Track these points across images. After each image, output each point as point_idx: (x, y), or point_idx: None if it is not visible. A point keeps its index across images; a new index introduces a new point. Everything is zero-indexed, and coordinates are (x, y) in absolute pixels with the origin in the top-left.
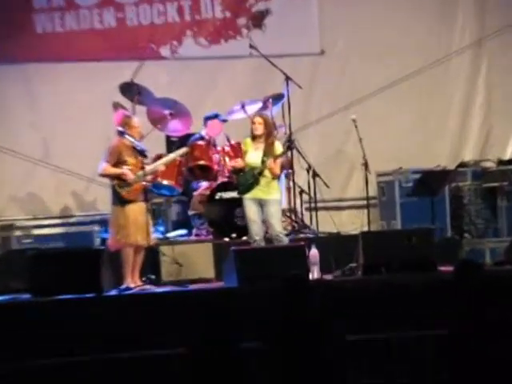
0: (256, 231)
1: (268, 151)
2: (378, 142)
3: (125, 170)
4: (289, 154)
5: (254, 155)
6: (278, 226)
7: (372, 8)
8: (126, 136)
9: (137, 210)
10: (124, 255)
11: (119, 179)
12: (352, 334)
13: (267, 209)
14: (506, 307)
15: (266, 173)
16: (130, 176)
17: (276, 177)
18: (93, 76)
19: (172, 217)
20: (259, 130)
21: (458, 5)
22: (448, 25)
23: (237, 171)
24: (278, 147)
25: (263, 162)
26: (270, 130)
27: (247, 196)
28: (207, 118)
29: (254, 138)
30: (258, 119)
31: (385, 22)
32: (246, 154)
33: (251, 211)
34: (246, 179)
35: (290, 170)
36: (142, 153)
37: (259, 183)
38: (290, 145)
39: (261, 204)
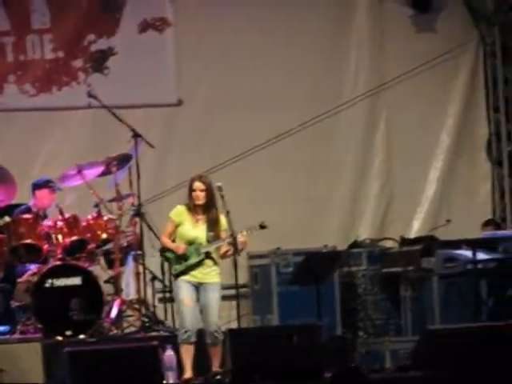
0: (191, 321)
1: (213, 226)
2: (250, 215)
3: None
4: (137, 231)
5: (194, 228)
6: (216, 317)
7: (242, 49)
8: None
9: None
10: None
11: None
12: None
13: (205, 294)
14: None
15: (213, 250)
16: None
17: (228, 257)
18: None
19: None
20: (201, 198)
21: (350, 48)
22: (338, 71)
23: (165, 249)
24: (223, 220)
25: (209, 236)
26: (213, 197)
27: (184, 277)
28: (36, 186)
29: (192, 207)
30: (200, 185)
31: (258, 65)
32: (179, 226)
33: (188, 295)
34: (186, 257)
35: (139, 252)
36: None
37: (203, 265)
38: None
39: (197, 289)
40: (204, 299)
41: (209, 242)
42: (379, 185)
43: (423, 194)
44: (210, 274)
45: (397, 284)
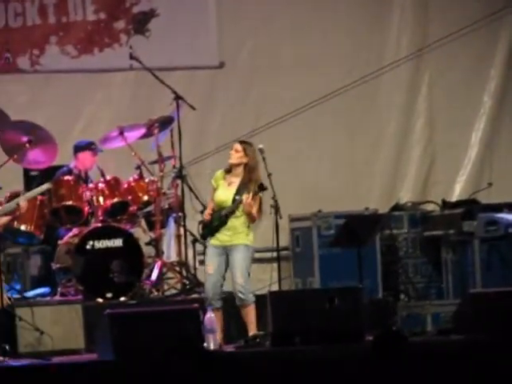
0: (209, 288)
1: (244, 188)
2: (292, 178)
3: None
4: (178, 193)
5: (224, 192)
6: (242, 278)
7: (284, 11)
8: None
9: None
10: None
11: None
12: None
13: (231, 256)
14: None
15: (241, 213)
16: None
17: (252, 220)
18: None
19: (31, 271)
20: (233, 158)
21: (393, 9)
22: (380, 33)
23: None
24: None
25: (234, 200)
26: (251, 162)
27: (211, 242)
28: (78, 148)
29: (229, 170)
30: (237, 146)
31: (301, 28)
32: (216, 191)
33: (210, 261)
34: (210, 221)
35: (180, 214)
36: None
37: (225, 225)
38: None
39: (226, 252)
40: (230, 261)
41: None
42: (421, 148)
43: (465, 157)
44: (237, 237)
45: (438, 247)
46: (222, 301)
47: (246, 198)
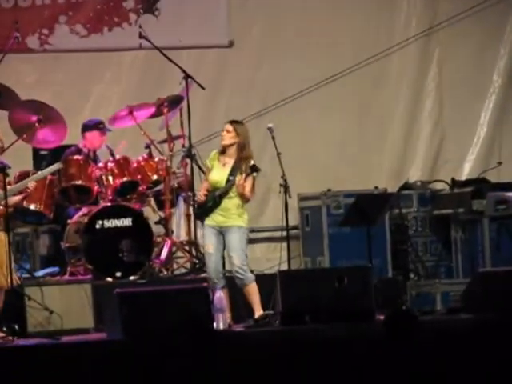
0: (211, 267)
1: (238, 168)
2: (301, 157)
3: None
4: (188, 172)
5: (219, 172)
6: (238, 260)
7: None
8: None
9: None
10: None
11: None
12: None
13: (226, 238)
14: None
15: (234, 194)
16: None
17: (245, 200)
18: None
19: (41, 251)
20: (225, 139)
21: None
22: (390, 11)
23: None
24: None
25: (228, 180)
26: (243, 141)
27: (207, 222)
28: (86, 128)
29: (223, 150)
30: (228, 126)
31: (310, 7)
32: (210, 171)
33: (209, 240)
34: (205, 201)
35: (190, 193)
36: (1, 169)
37: (219, 205)
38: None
39: (222, 232)
40: (226, 243)
41: None
42: (430, 127)
43: (475, 136)
44: (230, 218)
45: (448, 226)
46: (225, 279)
47: (239, 179)
